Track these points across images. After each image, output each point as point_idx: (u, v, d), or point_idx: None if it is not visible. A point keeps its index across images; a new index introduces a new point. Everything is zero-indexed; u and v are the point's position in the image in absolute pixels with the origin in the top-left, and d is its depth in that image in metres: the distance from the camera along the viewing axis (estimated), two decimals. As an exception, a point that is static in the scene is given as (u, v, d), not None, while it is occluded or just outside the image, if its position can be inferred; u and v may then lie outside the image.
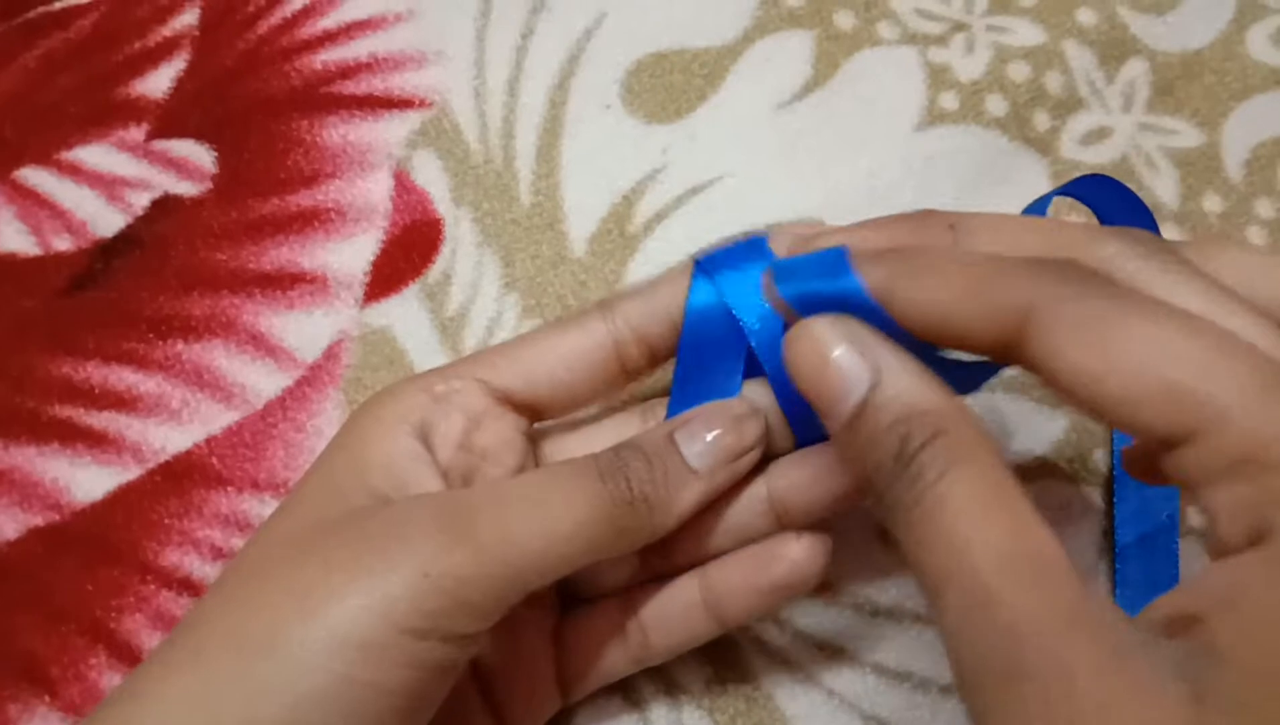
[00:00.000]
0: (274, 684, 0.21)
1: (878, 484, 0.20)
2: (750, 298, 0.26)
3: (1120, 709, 0.16)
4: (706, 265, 0.26)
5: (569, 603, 0.28)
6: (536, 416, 0.27)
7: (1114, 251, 0.21)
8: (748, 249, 0.26)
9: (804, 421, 0.26)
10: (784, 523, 0.26)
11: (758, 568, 0.26)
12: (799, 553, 0.25)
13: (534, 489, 0.24)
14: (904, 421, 0.20)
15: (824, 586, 0.30)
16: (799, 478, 0.26)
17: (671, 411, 0.27)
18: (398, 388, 0.26)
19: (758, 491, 0.26)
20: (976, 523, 0.18)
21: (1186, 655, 0.16)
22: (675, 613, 0.27)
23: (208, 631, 0.22)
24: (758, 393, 0.26)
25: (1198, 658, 0.16)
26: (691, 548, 0.27)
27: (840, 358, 0.21)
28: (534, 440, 0.28)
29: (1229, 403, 0.17)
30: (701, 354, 0.26)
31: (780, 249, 0.25)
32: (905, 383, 0.20)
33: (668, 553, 0.27)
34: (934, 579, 0.18)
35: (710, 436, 0.25)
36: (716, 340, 0.26)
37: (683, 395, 0.26)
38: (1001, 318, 0.20)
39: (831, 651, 0.29)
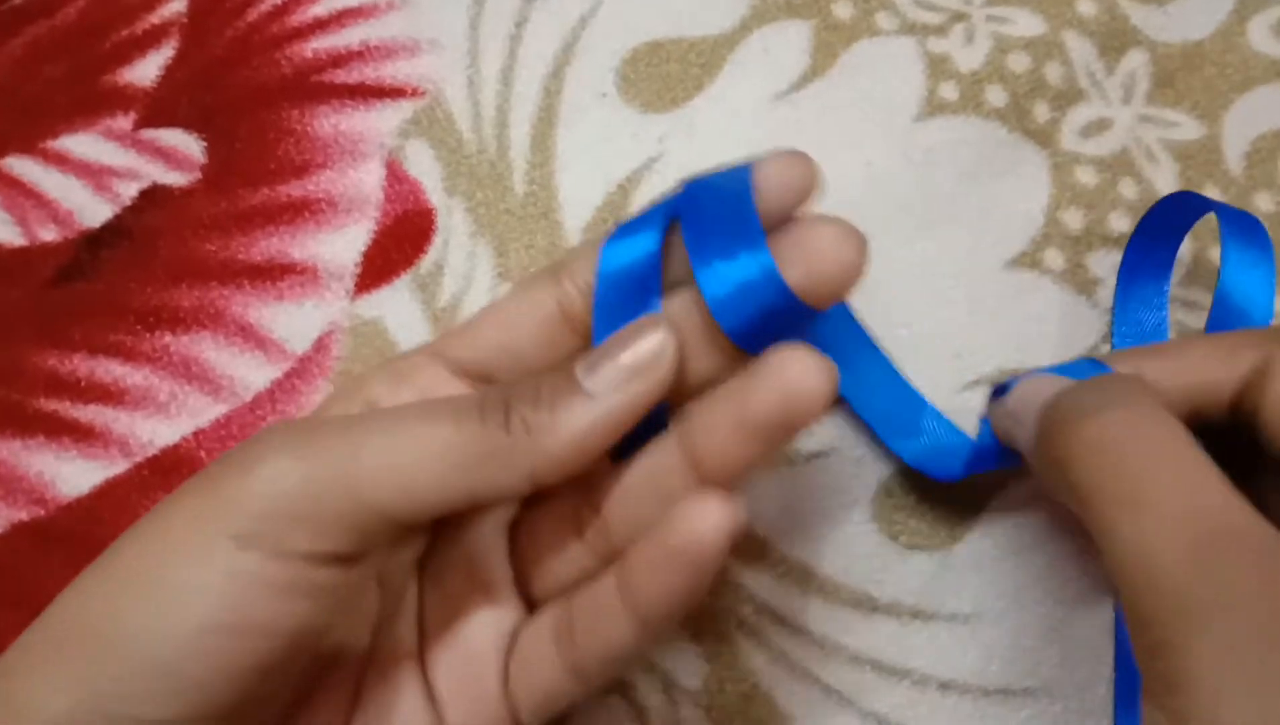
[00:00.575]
0: (112, 593, 0.20)
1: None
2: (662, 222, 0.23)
3: None
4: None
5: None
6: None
7: None
8: (726, 180, 0.24)
9: (735, 318, 0.23)
10: (702, 475, 0.22)
11: (659, 541, 0.21)
12: (699, 521, 0.21)
13: (399, 412, 0.22)
14: None
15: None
16: (714, 424, 0.22)
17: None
18: (375, 367, 0.26)
19: (669, 444, 0.23)
20: None
21: None
22: (597, 612, 0.23)
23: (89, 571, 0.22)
24: (681, 307, 0.23)
25: None
26: (618, 523, 0.23)
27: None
28: None
29: None
30: (617, 297, 0.24)
31: (765, 181, 0.23)
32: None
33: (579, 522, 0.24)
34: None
35: (616, 361, 0.22)
36: (632, 281, 0.24)
37: (600, 331, 0.24)
38: (1241, 370, 0.23)
39: (829, 649, 0.29)
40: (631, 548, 0.22)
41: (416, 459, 0.21)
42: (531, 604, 0.25)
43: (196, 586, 0.20)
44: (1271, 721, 0.17)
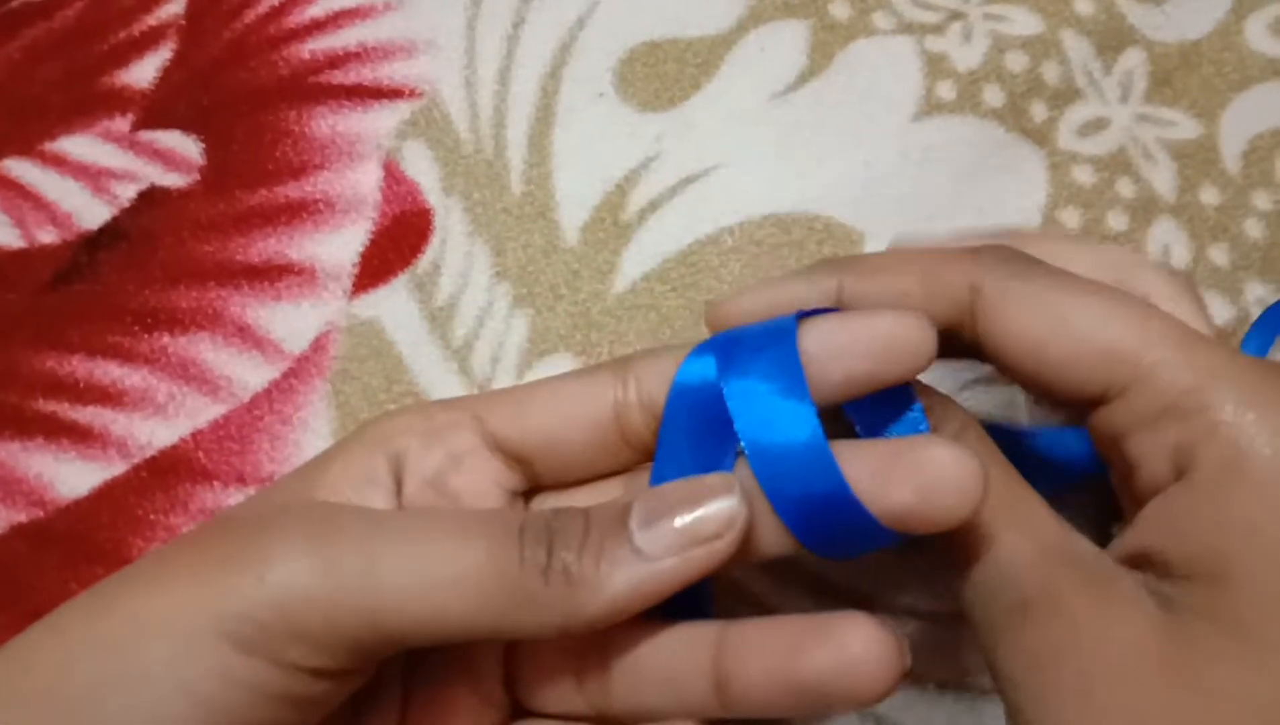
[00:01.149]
0: (87, 653, 0.19)
1: None
2: (750, 382, 0.21)
3: (1106, 623, 0.19)
4: (713, 345, 0.22)
5: None
6: (531, 475, 0.24)
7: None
8: (773, 334, 0.22)
9: (805, 522, 0.20)
10: (722, 698, 0.20)
11: (799, 640, 0.20)
12: (867, 635, 0.19)
13: (428, 523, 0.20)
14: None
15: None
16: (755, 659, 0.20)
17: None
18: (405, 408, 0.24)
19: (701, 640, 0.21)
20: None
21: (1147, 580, 0.20)
22: (665, 667, 0.21)
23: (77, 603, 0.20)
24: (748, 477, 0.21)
25: (1156, 581, 0.20)
26: (621, 690, 0.21)
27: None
28: (527, 502, 0.24)
29: (1155, 360, 0.20)
30: (688, 430, 0.22)
31: (812, 341, 0.21)
32: None
33: (593, 686, 0.22)
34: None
35: (675, 521, 0.20)
36: (707, 417, 0.21)
37: (662, 473, 0.22)
38: (954, 297, 0.22)
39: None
40: (742, 629, 0.20)
41: (441, 587, 0.19)
42: (518, 706, 0.23)
43: (181, 681, 0.18)
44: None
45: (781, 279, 0.24)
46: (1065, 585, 0.20)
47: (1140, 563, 0.20)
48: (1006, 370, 0.22)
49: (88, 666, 0.19)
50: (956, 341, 0.22)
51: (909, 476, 0.19)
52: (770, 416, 0.20)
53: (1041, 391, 0.22)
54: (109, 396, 0.32)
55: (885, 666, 0.19)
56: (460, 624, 0.19)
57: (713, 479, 0.20)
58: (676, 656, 0.21)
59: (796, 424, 0.20)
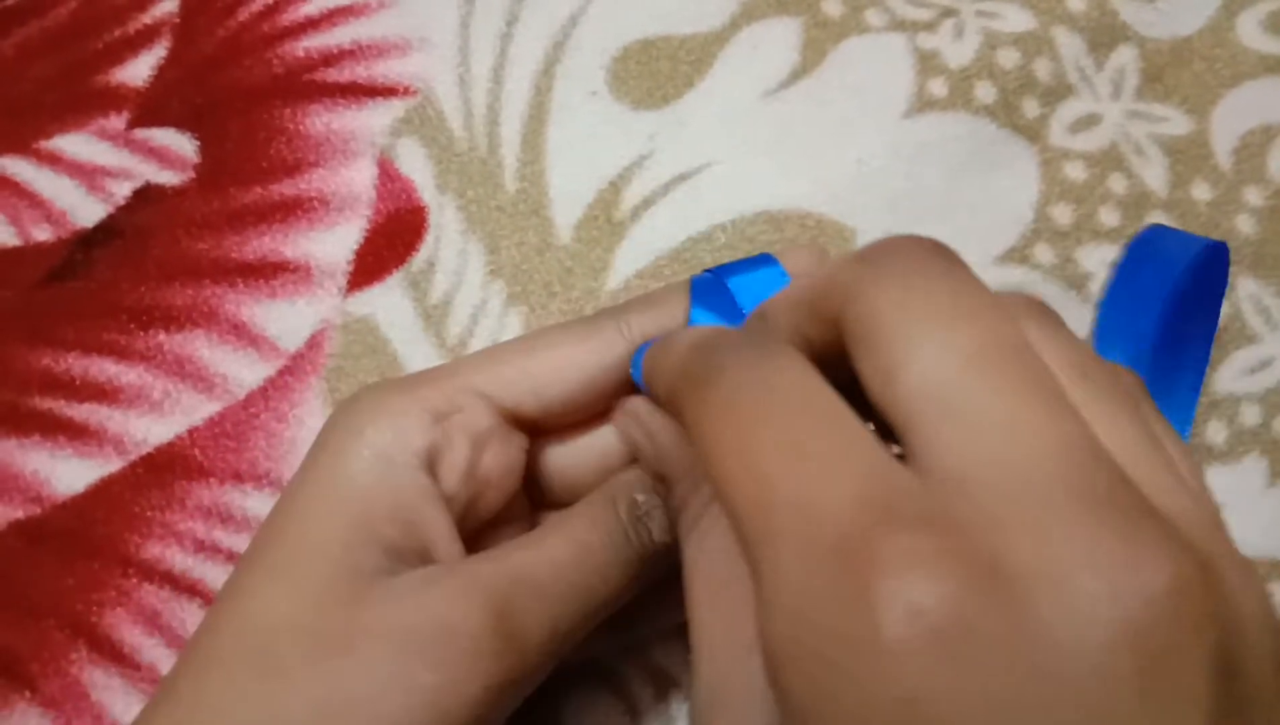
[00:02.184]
0: None
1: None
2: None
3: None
4: (701, 286, 0.24)
5: None
6: (538, 433, 0.25)
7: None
8: (753, 267, 0.24)
9: None
10: None
11: None
12: None
13: (570, 569, 0.22)
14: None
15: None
16: None
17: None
18: (381, 401, 0.23)
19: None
20: None
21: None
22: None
23: None
24: None
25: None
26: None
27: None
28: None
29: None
30: None
31: (792, 267, 0.24)
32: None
33: None
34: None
35: None
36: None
37: None
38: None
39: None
40: None
41: (598, 611, 0.23)
42: None
43: None
44: None
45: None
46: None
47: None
48: None
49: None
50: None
51: None
52: None
53: None
54: (105, 393, 0.32)
55: None
56: (604, 615, 0.23)
57: None
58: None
59: None
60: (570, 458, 0.26)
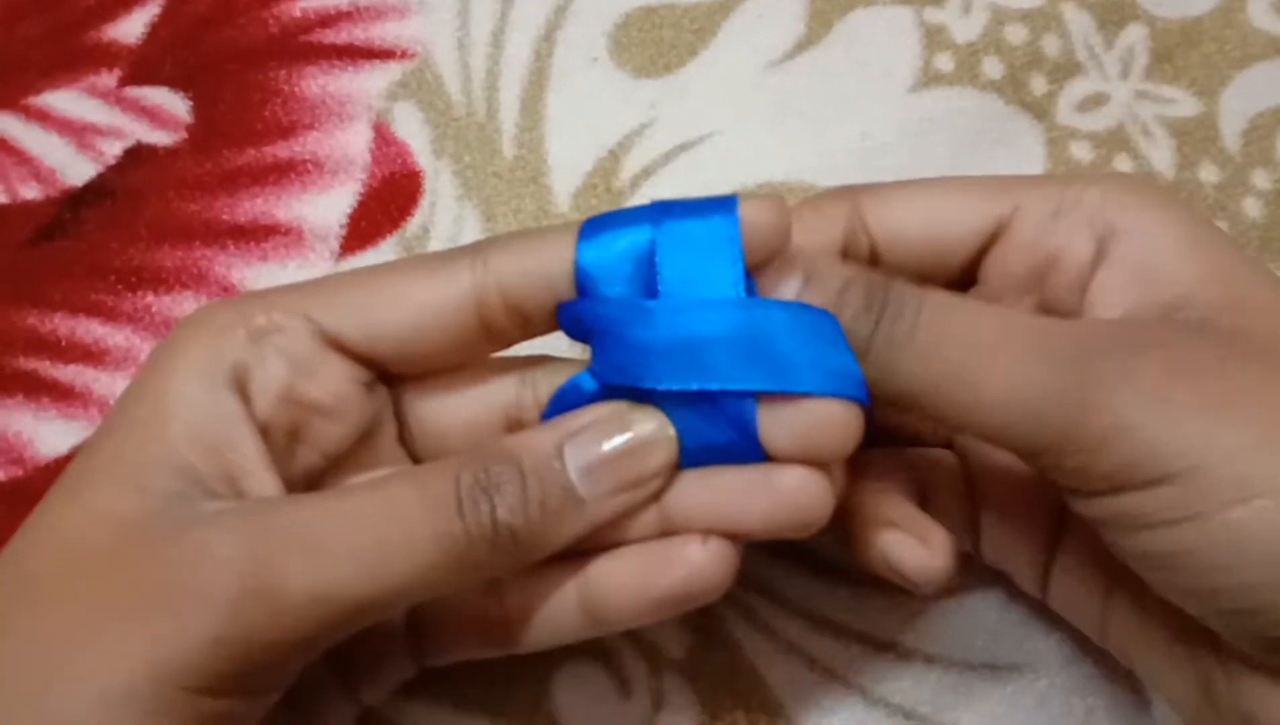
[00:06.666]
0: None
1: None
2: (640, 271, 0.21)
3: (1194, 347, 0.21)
4: (596, 225, 0.22)
5: None
6: (379, 371, 0.23)
7: None
8: (700, 212, 0.22)
9: (696, 430, 0.22)
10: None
11: (650, 571, 0.21)
12: (702, 558, 0.21)
13: (365, 528, 0.20)
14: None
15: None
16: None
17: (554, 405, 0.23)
18: (209, 316, 0.22)
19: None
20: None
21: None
22: (546, 609, 0.22)
23: None
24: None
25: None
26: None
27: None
28: (394, 388, 0.24)
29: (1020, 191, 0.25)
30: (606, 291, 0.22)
31: (751, 216, 0.22)
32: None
33: None
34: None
35: (607, 446, 0.21)
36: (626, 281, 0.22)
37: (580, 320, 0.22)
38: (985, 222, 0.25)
39: (815, 621, 0.28)
40: (603, 567, 0.22)
41: (396, 589, 0.20)
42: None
43: None
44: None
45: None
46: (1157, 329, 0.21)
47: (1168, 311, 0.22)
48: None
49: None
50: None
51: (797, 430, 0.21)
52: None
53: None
54: (91, 355, 0.31)
55: (725, 564, 0.21)
56: (408, 599, 0.21)
57: (647, 419, 0.21)
58: (556, 606, 0.22)
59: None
60: (434, 412, 0.24)
